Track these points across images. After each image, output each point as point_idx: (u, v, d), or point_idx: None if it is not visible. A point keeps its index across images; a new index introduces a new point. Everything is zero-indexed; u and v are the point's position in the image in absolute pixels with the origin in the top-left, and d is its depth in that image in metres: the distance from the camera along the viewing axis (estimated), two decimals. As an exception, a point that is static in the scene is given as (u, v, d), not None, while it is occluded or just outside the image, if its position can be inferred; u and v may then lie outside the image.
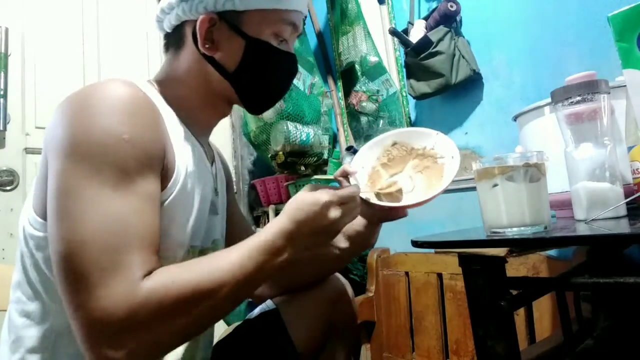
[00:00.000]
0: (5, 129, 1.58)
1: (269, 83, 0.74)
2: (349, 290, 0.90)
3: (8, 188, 1.59)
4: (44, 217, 0.58)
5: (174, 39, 0.73)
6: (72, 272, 0.49)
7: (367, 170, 0.81)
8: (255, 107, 0.77)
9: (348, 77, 1.85)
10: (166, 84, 0.72)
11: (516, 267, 1.19)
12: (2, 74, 1.58)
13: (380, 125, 1.69)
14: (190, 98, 0.72)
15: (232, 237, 0.82)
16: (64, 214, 0.52)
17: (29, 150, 1.64)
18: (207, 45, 0.68)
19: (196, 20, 0.68)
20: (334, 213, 0.61)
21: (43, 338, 0.59)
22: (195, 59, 0.70)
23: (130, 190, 0.54)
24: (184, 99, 0.71)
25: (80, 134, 0.54)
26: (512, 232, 0.58)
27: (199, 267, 0.55)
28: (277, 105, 1.48)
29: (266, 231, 0.60)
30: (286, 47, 0.73)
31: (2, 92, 1.57)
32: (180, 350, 0.69)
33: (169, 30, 0.73)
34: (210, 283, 0.53)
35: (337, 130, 1.86)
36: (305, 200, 0.61)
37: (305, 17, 0.79)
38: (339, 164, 1.77)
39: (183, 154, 0.66)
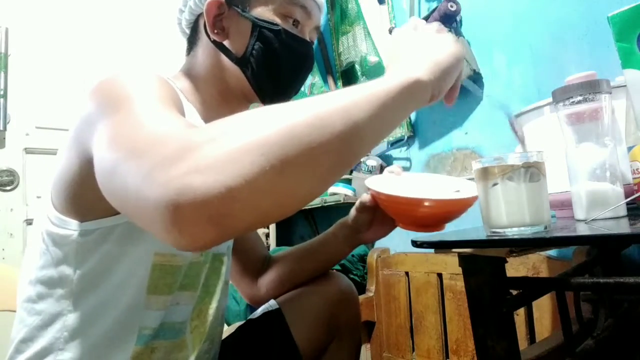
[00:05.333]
0: (5, 129, 1.58)
1: (277, 66, 0.71)
2: (354, 290, 0.89)
3: (8, 188, 1.58)
4: (63, 212, 0.58)
5: (192, 38, 0.75)
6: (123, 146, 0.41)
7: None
8: (268, 94, 0.73)
9: (348, 77, 1.85)
10: (185, 80, 0.72)
11: (516, 267, 1.19)
12: (2, 74, 1.58)
13: (380, 125, 1.69)
14: (208, 94, 0.72)
15: (242, 243, 0.84)
16: (115, 130, 0.44)
17: (29, 150, 1.64)
18: (215, 31, 0.69)
19: None
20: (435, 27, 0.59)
21: (55, 337, 0.58)
22: (209, 50, 0.71)
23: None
24: (202, 96, 0.72)
25: (112, 95, 0.49)
26: (512, 232, 0.58)
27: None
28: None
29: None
30: (299, 33, 0.72)
31: (2, 92, 1.57)
32: (197, 347, 0.69)
33: (187, 30, 0.75)
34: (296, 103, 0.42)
35: (337, 130, 1.85)
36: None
37: (321, 8, 0.75)
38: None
39: None
